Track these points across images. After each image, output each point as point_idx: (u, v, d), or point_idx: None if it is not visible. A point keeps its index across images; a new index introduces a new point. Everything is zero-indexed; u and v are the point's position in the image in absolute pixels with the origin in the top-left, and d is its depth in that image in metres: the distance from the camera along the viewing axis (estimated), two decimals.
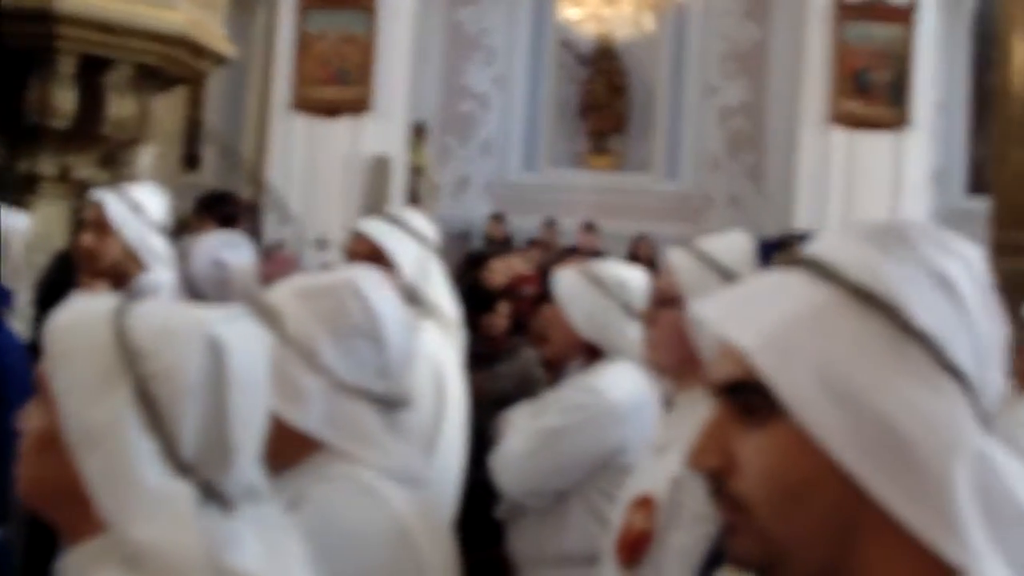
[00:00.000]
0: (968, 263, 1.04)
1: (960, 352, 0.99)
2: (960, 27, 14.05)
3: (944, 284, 1.01)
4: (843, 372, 0.97)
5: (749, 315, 1.04)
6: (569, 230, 13.60)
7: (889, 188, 11.48)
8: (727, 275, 2.28)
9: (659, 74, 15.19)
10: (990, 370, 1.03)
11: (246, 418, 1.38)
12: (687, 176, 14.89)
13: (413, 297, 3.09)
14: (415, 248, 3.31)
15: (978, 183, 13.03)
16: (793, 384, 0.99)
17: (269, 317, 1.83)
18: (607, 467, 3.02)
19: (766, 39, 14.56)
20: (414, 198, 12.80)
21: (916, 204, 11.48)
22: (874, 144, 11.55)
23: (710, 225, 12.62)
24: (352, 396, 1.86)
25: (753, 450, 1.02)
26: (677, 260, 2.38)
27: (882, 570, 0.99)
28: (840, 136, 11.65)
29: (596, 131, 15.44)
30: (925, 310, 1.00)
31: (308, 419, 1.82)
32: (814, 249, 1.08)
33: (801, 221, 11.06)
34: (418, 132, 13.43)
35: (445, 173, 14.97)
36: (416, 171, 13.23)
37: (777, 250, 2.41)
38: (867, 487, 0.96)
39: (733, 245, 2.39)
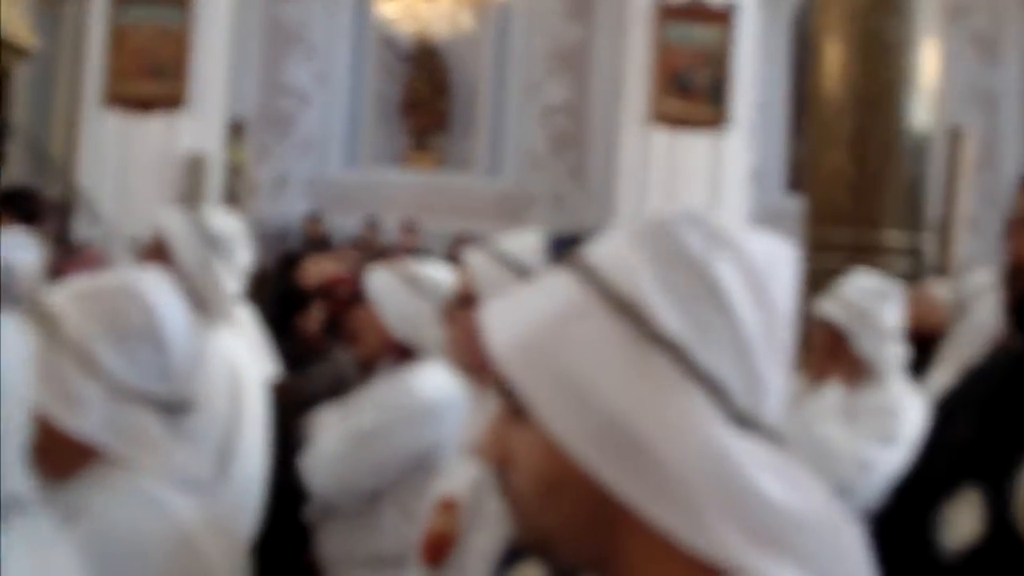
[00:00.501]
0: (741, 259, 1.04)
1: (711, 355, 1.01)
2: (779, 29, 14.53)
3: (705, 284, 1.02)
4: (584, 377, 1.00)
5: (510, 318, 1.07)
6: (391, 229, 13.60)
7: (709, 187, 11.74)
8: (521, 272, 2.29)
9: (482, 72, 15.30)
10: (761, 367, 1.03)
11: (6, 427, 1.31)
12: (510, 174, 15.02)
13: (201, 298, 3.04)
14: (201, 248, 3.26)
15: (796, 182, 13.44)
16: (535, 387, 1.02)
17: (45, 320, 1.77)
18: (420, 467, 3.03)
19: (589, 39, 14.80)
20: (231, 197, 12.60)
21: (735, 202, 11.78)
22: (694, 143, 11.81)
23: (533, 224, 12.72)
24: (133, 401, 1.80)
25: (520, 446, 1.05)
26: (473, 259, 2.40)
27: (644, 566, 1.02)
28: (661, 135, 11.87)
29: (418, 129, 15.46)
30: (674, 314, 1.01)
31: (86, 425, 1.76)
32: (589, 250, 1.10)
33: (623, 219, 11.23)
34: (235, 129, 13.22)
35: (263, 171, 14.80)
36: (233, 169, 13.03)
37: (566, 247, 2.43)
38: (610, 488, 0.99)
39: (525, 243, 2.42)
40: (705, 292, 1.02)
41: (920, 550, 2.14)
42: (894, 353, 3.70)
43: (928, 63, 8.01)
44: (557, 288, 1.07)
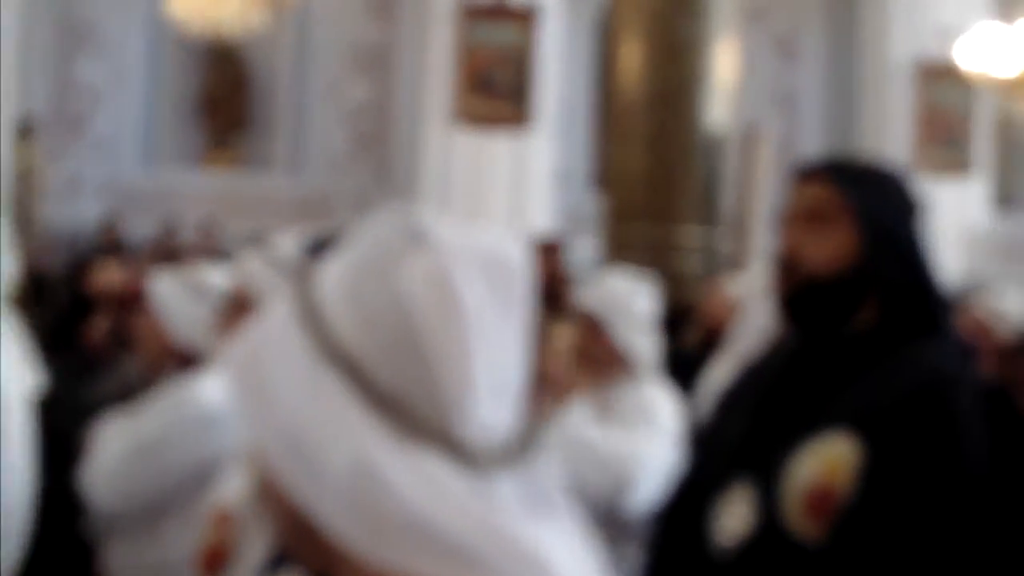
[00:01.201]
0: (440, 267, 1.03)
1: (388, 370, 1.01)
2: (582, 29, 14.76)
3: (389, 295, 1.02)
4: (271, 388, 1.02)
5: (249, 328, 1.09)
6: (190, 231, 13.36)
7: (513, 186, 11.84)
8: (288, 274, 2.28)
9: (282, 70, 15.16)
10: (451, 381, 1.03)
11: None
12: (311, 175, 14.90)
13: None
14: None
15: (601, 181, 13.65)
16: (243, 396, 1.05)
17: None
18: (203, 476, 2.98)
19: (391, 37, 14.79)
20: (20, 201, 12.18)
21: (540, 202, 11.89)
22: (498, 143, 11.90)
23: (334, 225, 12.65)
24: None
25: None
26: (245, 261, 2.38)
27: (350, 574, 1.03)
28: (464, 135, 11.92)
29: (217, 128, 15.23)
30: (352, 326, 1.02)
31: None
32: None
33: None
34: (25, 130, 12.79)
35: (55, 173, 14.32)
36: (23, 172, 12.59)
37: (319, 250, 2.43)
38: (296, 501, 1.02)
39: (288, 243, 2.41)
40: (389, 304, 1.02)
41: (697, 547, 2.21)
42: (648, 344, 3.80)
43: (725, 63, 8.23)
44: (283, 300, 1.09)
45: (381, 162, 14.73)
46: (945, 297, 2.39)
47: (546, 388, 4.74)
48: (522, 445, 1.06)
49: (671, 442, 3.48)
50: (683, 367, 4.83)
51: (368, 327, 1.01)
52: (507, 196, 11.61)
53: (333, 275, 1.05)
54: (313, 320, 1.03)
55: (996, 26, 12.77)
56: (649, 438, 3.55)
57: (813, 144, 15.53)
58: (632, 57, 8.06)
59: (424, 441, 1.01)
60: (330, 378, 1.01)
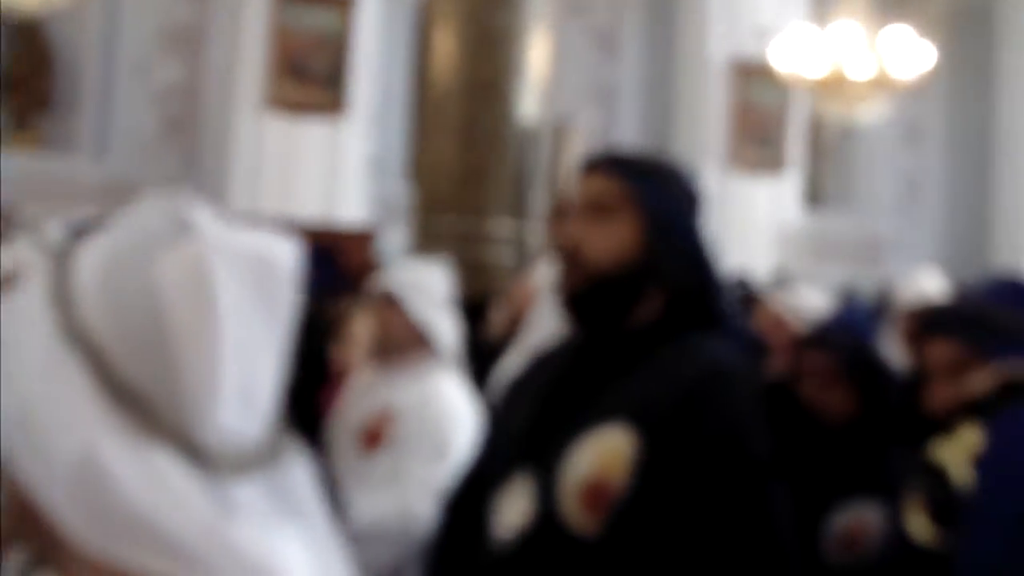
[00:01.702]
0: (252, 265, 1.01)
1: (131, 362, 0.99)
2: (401, 16, 14.62)
3: (142, 286, 0.99)
4: (7, 363, 0.99)
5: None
6: None
7: (326, 175, 11.75)
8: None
9: (88, 49, 14.62)
10: (195, 381, 1.00)
11: None
12: (117, 159, 14.42)
13: None
14: None
15: (413, 171, 13.63)
16: None
17: None
18: None
19: (203, 18, 14.41)
20: None
21: (354, 191, 11.81)
22: (311, 130, 11.80)
23: None
24: None
25: None
26: (17, 245, 2.31)
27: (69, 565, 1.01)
28: (277, 121, 11.76)
29: (18, 108, 14.64)
30: (100, 313, 0.99)
31: None
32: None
33: (237, 206, 11.03)
34: None
35: None
36: None
37: (87, 233, 2.35)
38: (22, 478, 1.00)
39: (56, 227, 2.31)
40: (141, 295, 0.99)
41: (478, 540, 2.21)
42: (446, 324, 3.92)
43: (541, 55, 8.22)
44: (38, 279, 1.06)
45: (190, 147, 14.35)
46: (726, 290, 2.44)
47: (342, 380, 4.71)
48: (271, 452, 1.03)
49: (454, 460, 3.51)
50: (486, 357, 4.87)
51: (117, 315, 0.99)
52: (319, 184, 11.52)
53: (93, 259, 1.02)
54: (62, 301, 0.99)
55: (809, 28, 13.12)
56: (431, 464, 3.60)
57: (629, 138, 15.65)
58: (446, 47, 8.04)
59: (160, 439, 0.99)
60: (71, 362, 0.98)
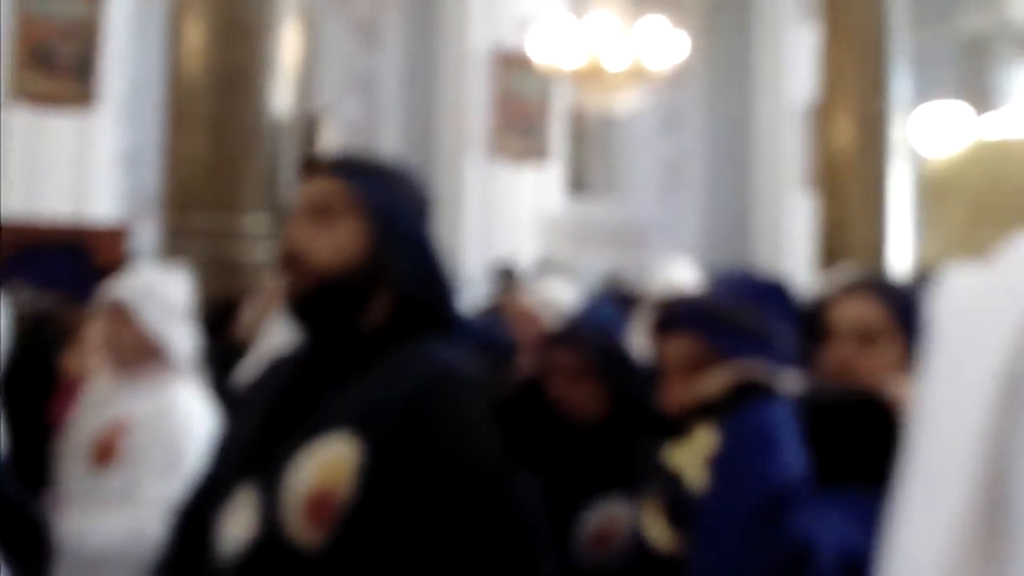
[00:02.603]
0: None
1: None
2: (152, 4, 14.31)
3: None
4: None
5: None
6: None
7: (76, 169, 11.48)
8: None
9: None
10: None
11: None
12: None
13: None
14: None
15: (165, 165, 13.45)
16: None
17: None
18: None
19: None
20: None
21: (105, 186, 11.58)
22: (60, 123, 11.49)
23: None
24: None
25: None
26: None
27: None
28: (22, 114, 11.36)
29: None
30: None
31: None
32: None
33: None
34: None
35: None
36: None
37: None
38: None
39: None
40: None
41: (204, 556, 2.16)
42: (183, 334, 3.80)
43: (292, 46, 8.14)
44: None
45: None
46: (454, 293, 2.43)
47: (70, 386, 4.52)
48: None
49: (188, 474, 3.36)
50: (236, 359, 4.79)
51: None
52: (69, 179, 11.27)
53: None
54: None
55: (568, 19, 13.44)
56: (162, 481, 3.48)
57: (391, 130, 15.95)
58: (197, 37, 7.85)
59: None
60: None
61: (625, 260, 15.70)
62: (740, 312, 2.64)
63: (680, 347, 2.64)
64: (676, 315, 2.73)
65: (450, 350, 2.30)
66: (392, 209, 2.33)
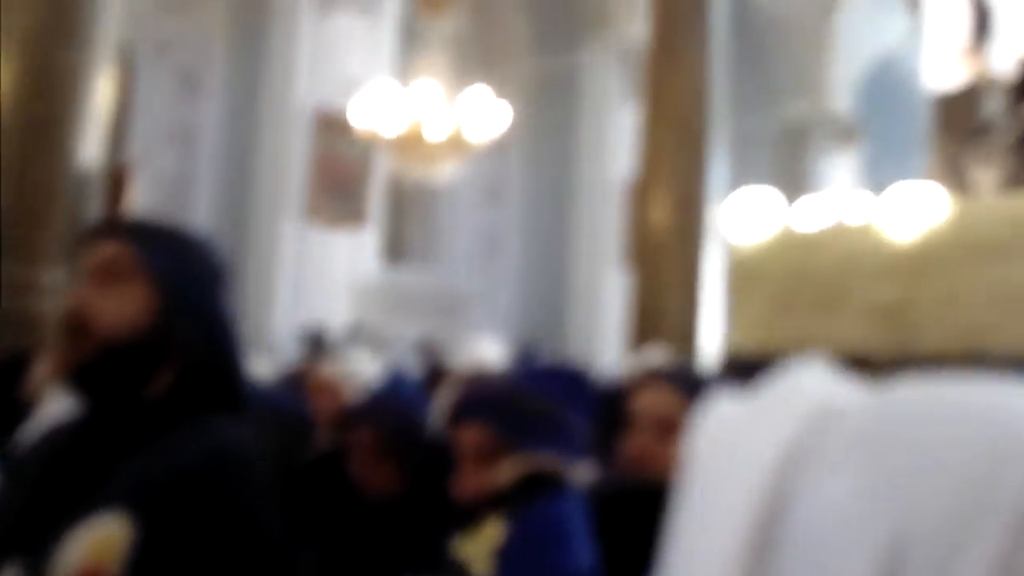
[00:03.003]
0: None
1: None
2: None
3: None
4: None
5: None
6: None
7: None
8: None
9: None
10: None
11: None
12: None
13: None
14: None
15: None
16: None
17: None
18: None
19: None
20: None
21: None
22: None
23: None
24: None
25: None
26: None
27: None
28: None
29: None
30: None
31: None
32: None
33: None
34: None
35: None
36: None
37: None
38: None
39: None
40: None
41: None
42: None
43: (106, 95, 8.08)
44: None
45: None
46: (243, 365, 2.36)
47: None
48: None
49: None
50: (19, 417, 4.64)
51: None
52: None
53: None
54: None
55: (392, 84, 13.59)
56: None
57: (207, 184, 15.95)
58: (6, 83, 7.72)
59: None
60: None
61: (439, 329, 15.88)
62: (533, 402, 2.67)
63: (472, 436, 2.67)
64: (469, 405, 2.75)
65: (235, 426, 2.25)
66: (181, 277, 2.27)
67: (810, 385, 0.76)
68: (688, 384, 2.76)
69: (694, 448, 0.77)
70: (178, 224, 2.55)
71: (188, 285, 2.28)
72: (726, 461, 0.73)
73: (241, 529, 2.12)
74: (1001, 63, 9.14)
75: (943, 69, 9.86)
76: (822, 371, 0.79)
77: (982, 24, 9.32)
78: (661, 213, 12.05)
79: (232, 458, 2.17)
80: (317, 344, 12.30)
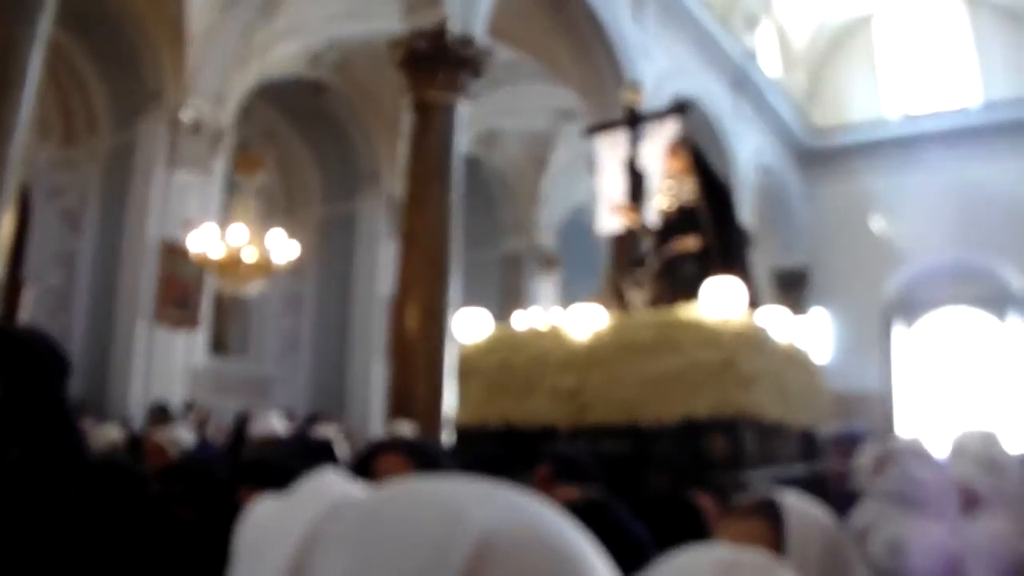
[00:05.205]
0: None
1: None
2: None
3: None
4: None
5: None
6: None
7: None
8: None
9: None
10: None
11: None
12: None
13: None
14: None
15: None
16: None
17: None
18: None
19: None
20: None
21: None
22: None
23: None
24: None
25: None
26: None
27: None
28: None
29: None
30: None
31: None
32: None
33: None
34: None
35: None
36: None
37: None
38: None
39: None
40: None
41: None
42: None
43: (6, 228, 8.26)
44: None
45: None
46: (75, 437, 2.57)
47: None
48: None
49: None
50: None
51: None
52: None
53: None
54: None
55: (216, 225, 15.33)
56: None
57: (84, 297, 16.82)
58: None
59: None
60: None
61: (252, 404, 16.27)
62: (288, 464, 2.91)
63: (249, 498, 2.83)
64: (248, 470, 3.07)
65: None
66: (21, 372, 2.45)
67: (331, 484, 0.77)
68: (418, 452, 2.76)
69: (240, 535, 0.76)
70: (35, 331, 2.78)
71: (28, 377, 2.48)
72: (264, 543, 0.72)
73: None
74: (650, 215, 9.68)
75: (610, 219, 10.33)
76: (341, 475, 0.81)
77: (637, 187, 10.73)
78: (413, 320, 12.79)
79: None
80: (162, 415, 12.48)
